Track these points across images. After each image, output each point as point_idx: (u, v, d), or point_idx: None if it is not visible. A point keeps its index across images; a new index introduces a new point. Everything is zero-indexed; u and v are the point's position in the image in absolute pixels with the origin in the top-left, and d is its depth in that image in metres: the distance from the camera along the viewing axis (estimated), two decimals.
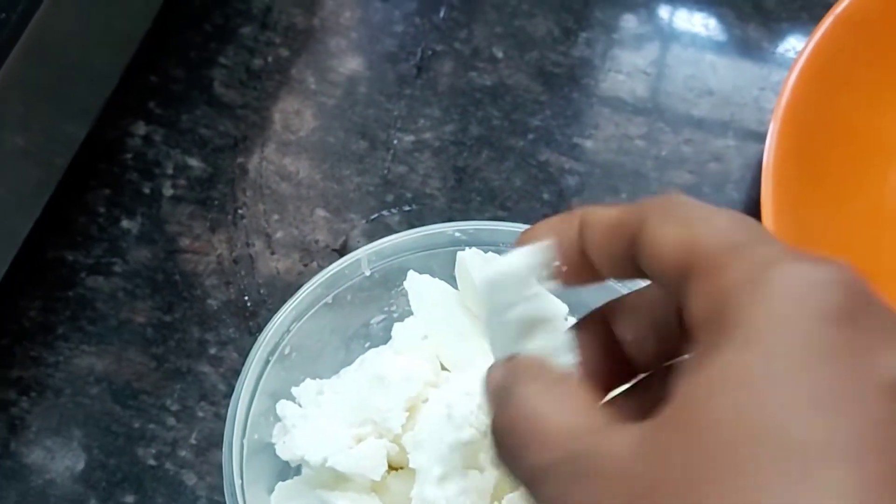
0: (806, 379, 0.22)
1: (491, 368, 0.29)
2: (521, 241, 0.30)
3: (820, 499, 0.21)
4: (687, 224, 0.26)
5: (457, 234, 0.47)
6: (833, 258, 0.24)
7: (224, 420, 0.50)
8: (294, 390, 0.46)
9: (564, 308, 0.46)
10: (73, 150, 0.52)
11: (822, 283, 0.23)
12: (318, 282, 0.46)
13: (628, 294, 0.31)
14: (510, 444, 0.26)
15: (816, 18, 0.53)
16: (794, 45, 0.58)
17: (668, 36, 0.60)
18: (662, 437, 0.23)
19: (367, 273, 0.47)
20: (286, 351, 0.46)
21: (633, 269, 0.27)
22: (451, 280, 0.46)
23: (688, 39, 0.59)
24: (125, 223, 0.56)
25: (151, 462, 0.51)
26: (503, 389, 0.27)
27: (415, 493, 0.40)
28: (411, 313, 0.46)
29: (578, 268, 0.29)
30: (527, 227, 0.46)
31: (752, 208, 0.53)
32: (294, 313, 0.45)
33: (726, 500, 0.21)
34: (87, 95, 0.52)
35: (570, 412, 0.25)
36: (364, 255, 0.46)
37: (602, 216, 0.28)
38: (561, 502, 0.25)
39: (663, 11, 0.60)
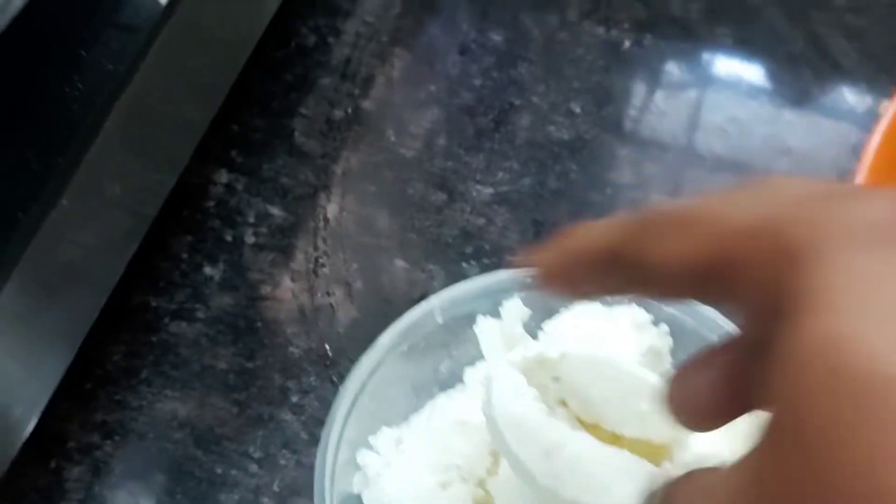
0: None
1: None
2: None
3: None
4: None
5: (527, 280, 0.47)
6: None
7: (306, 468, 0.51)
8: (371, 439, 0.46)
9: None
10: (162, 198, 0.53)
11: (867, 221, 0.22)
12: (395, 331, 0.46)
13: None
14: None
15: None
16: (872, 106, 0.58)
17: (746, 94, 0.60)
18: (766, 456, 0.22)
19: (440, 321, 0.47)
20: (365, 401, 0.46)
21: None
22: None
23: (765, 98, 0.60)
24: (208, 270, 0.56)
25: None
26: None
27: None
28: (478, 357, 0.47)
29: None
30: None
31: None
32: (373, 363, 0.46)
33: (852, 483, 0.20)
34: (176, 145, 0.53)
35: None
36: (437, 304, 0.47)
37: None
38: None
39: (741, 70, 0.61)
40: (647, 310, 0.44)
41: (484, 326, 0.46)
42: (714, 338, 0.45)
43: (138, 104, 0.46)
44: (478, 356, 0.46)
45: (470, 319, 0.46)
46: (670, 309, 0.45)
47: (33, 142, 0.42)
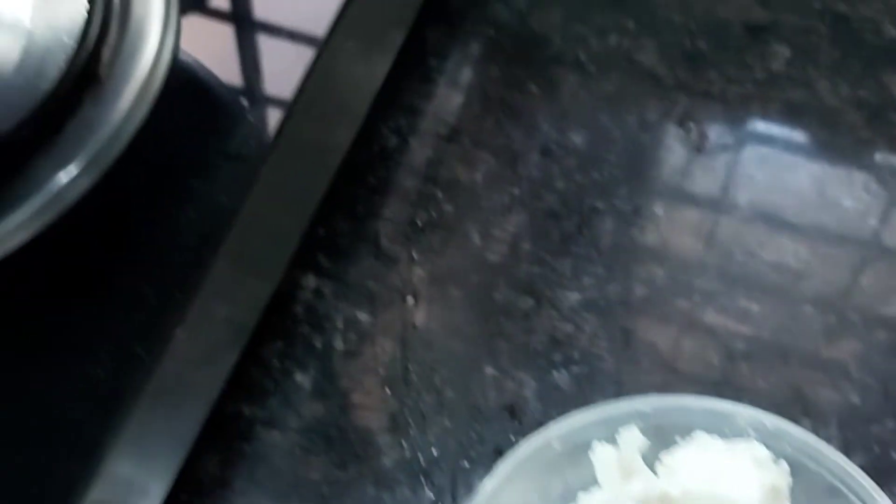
0: None
1: None
2: None
3: None
4: None
5: (643, 409, 0.48)
6: None
7: None
8: None
9: None
10: (260, 310, 0.53)
11: None
12: (515, 459, 0.46)
13: None
14: None
15: None
16: None
17: (831, 199, 0.60)
18: None
19: (558, 449, 0.47)
20: None
21: None
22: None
23: (850, 203, 0.60)
24: (298, 377, 0.57)
25: None
26: None
27: None
28: (592, 482, 0.47)
29: None
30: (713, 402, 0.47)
31: None
32: (492, 490, 0.46)
33: None
34: (274, 257, 0.54)
35: None
36: (556, 433, 0.47)
37: None
38: None
39: (824, 175, 0.61)
40: (767, 446, 0.44)
41: (601, 454, 0.46)
42: (833, 480, 0.45)
43: (246, 229, 0.47)
44: (591, 481, 0.46)
45: (585, 446, 0.46)
46: (789, 448, 0.45)
47: (150, 276, 0.43)
